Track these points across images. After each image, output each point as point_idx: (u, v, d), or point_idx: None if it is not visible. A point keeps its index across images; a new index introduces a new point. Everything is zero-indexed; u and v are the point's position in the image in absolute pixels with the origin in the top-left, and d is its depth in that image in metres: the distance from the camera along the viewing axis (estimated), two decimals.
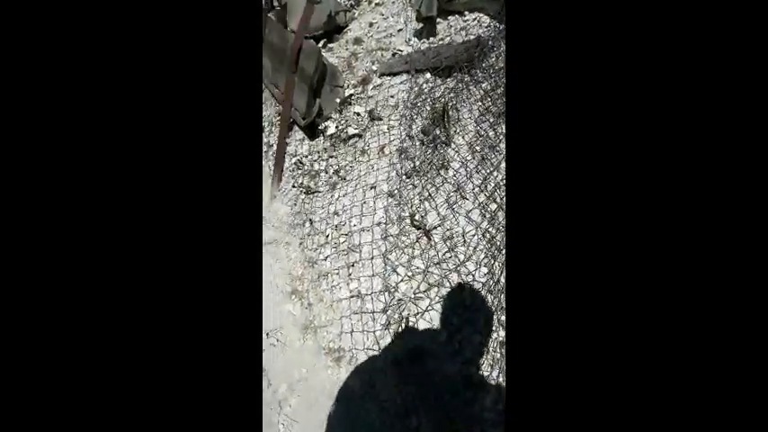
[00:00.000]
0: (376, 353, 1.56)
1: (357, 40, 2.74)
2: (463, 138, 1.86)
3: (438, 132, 1.91)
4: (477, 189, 1.68)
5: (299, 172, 2.39)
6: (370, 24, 2.79)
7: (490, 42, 1.90)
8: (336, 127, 2.35)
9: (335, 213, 2.06)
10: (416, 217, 1.75)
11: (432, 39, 2.34)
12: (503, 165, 1.66)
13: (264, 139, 2.78)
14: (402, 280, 1.64)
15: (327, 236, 2.02)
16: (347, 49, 2.74)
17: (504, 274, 1.45)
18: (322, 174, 2.29)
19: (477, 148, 1.77)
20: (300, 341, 1.78)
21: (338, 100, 2.42)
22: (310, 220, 2.14)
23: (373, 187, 2.00)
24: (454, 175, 1.78)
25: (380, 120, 2.21)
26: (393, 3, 2.83)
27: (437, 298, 1.55)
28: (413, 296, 1.59)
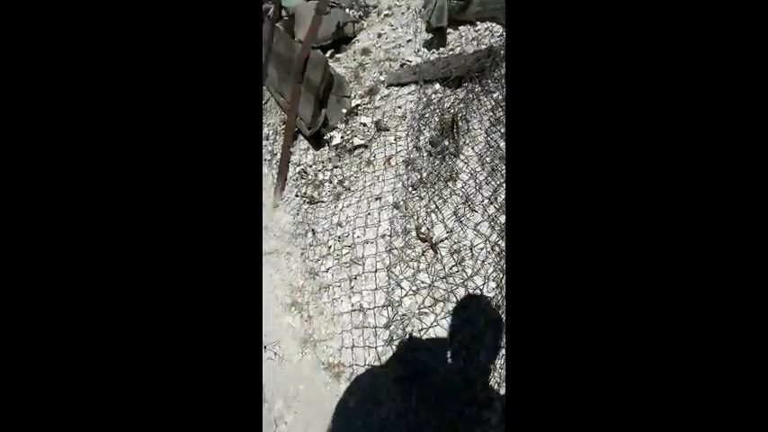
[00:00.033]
0: (377, 369, 1.49)
1: (365, 51, 2.72)
2: (473, 149, 1.81)
3: (447, 143, 1.87)
4: (486, 201, 1.62)
5: (303, 181, 2.35)
6: (379, 35, 2.78)
7: (502, 52, 1.86)
8: (342, 137, 2.31)
9: (339, 224, 2.00)
10: (423, 229, 1.69)
11: (442, 49, 2.31)
12: None
13: (269, 148, 2.75)
14: (406, 294, 1.58)
15: (330, 247, 1.96)
16: (355, 60, 2.72)
17: None
18: (326, 184, 2.24)
19: (488, 159, 1.72)
20: (299, 355, 1.71)
21: (344, 110, 2.39)
22: (313, 230, 2.09)
23: (378, 198, 1.95)
24: (463, 187, 1.72)
25: (387, 130, 2.17)
26: (402, 14, 2.82)
27: (443, 313, 1.48)
28: (417, 311, 1.52)
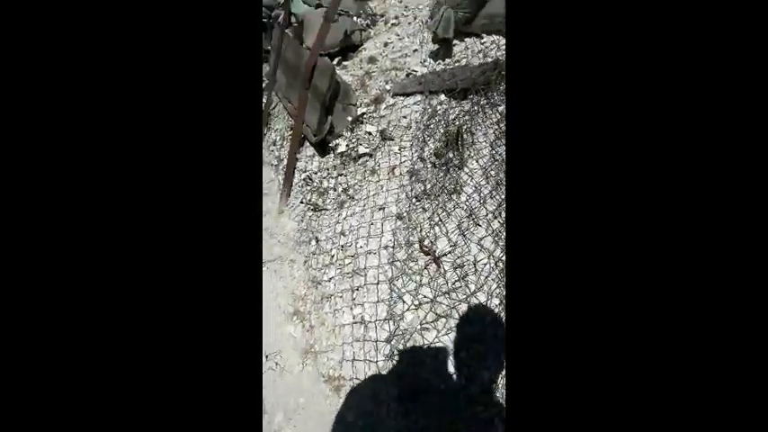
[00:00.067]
0: (378, 385, 1.48)
1: (371, 59, 2.72)
2: (477, 162, 1.80)
3: (451, 155, 1.86)
4: (490, 215, 1.61)
5: (308, 188, 2.35)
6: (386, 44, 2.78)
7: None
8: (347, 145, 2.31)
9: (342, 233, 2.00)
10: (426, 242, 1.69)
11: (448, 60, 2.30)
12: None
13: (276, 154, 2.76)
14: (408, 309, 1.57)
15: (333, 256, 1.96)
16: (361, 68, 2.72)
17: None
18: (330, 191, 2.24)
19: (492, 172, 1.71)
20: (300, 366, 1.70)
21: (350, 118, 2.39)
22: (316, 238, 2.09)
23: (382, 208, 1.94)
24: (467, 200, 1.71)
25: (392, 140, 2.17)
26: (409, 23, 2.82)
27: (444, 330, 1.47)
28: (419, 327, 1.51)
